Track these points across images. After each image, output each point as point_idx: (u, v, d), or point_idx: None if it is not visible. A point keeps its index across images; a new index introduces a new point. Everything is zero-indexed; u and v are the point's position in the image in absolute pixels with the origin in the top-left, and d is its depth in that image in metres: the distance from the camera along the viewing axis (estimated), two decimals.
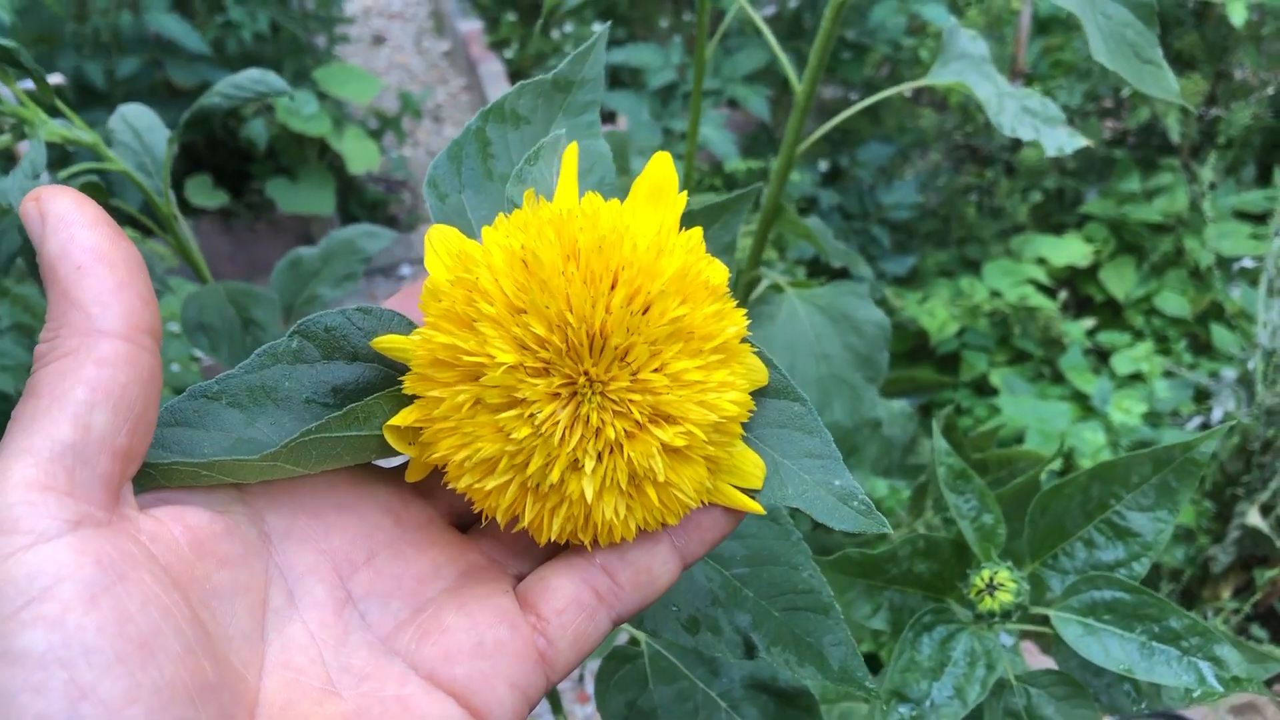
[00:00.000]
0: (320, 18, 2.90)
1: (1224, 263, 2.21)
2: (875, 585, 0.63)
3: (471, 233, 0.44)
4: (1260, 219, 2.29)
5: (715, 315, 0.36)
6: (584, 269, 0.34)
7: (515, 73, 3.31)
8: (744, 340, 0.38)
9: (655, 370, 0.34)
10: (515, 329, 0.33)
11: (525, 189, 0.40)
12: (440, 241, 0.39)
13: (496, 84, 3.26)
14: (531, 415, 0.34)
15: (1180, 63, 2.31)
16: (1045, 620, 0.59)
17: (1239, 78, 2.44)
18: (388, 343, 0.36)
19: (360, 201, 3.07)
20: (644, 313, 0.34)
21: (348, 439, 0.34)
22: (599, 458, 0.34)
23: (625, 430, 0.34)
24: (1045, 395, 2.11)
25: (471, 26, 3.49)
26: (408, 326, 0.37)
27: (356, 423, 0.34)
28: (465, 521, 0.40)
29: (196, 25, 2.60)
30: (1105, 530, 0.62)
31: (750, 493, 0.38)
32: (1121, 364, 2.08)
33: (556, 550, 0.38)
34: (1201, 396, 2.05)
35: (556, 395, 0.34)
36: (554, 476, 0.34)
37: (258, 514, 0.35)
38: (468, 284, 0.34)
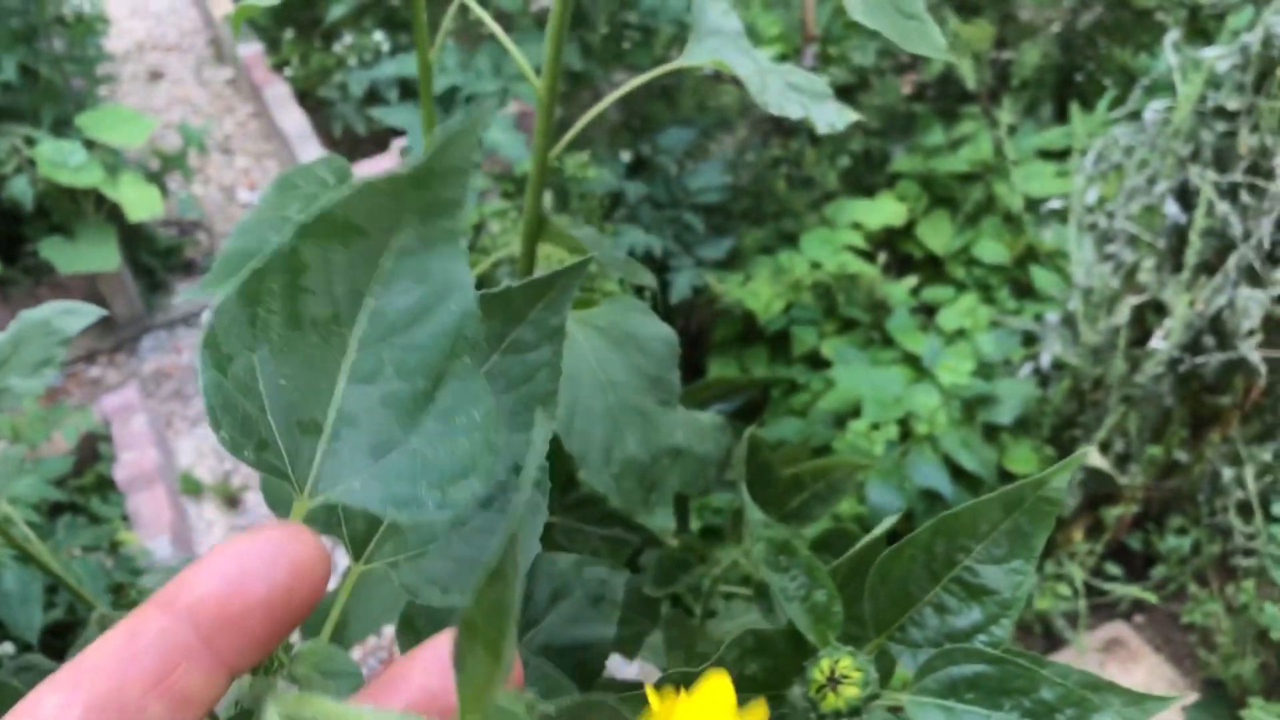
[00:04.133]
0: (77, 59, 2.68)
1: (1033, 205, 2.21)
2: None
3: (258, 414, 0.30)
4: (1062, 156, 2.30)
5: None
6: None
7: (301, 92, 3.13)
8: None
9: None
10: None
11: None
12: None
13: (283, 107, 3.08)
14: None
15: (966, 9, 2.30)
16: (901, 709, 0.50)
17: (1025, 19, 2.45)
18: None
19: (151, 250, 2.86)
20: None
21: None
22: None
23: None
24: (877, 361, 2.07)
25: (252, 50, 3.30)
26: None
27: None
28: None
29: None
30: (956, 591, 0.53)
31: None
32: (947, 320, 2.06)
33: None
34: (1030, 341, 2.05)
35: None
36: None
37: None
38: None
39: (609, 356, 0.84)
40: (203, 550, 2.15)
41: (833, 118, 0.85)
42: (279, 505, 0.45)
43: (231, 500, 2.28)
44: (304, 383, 0.31)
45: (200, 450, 2.35)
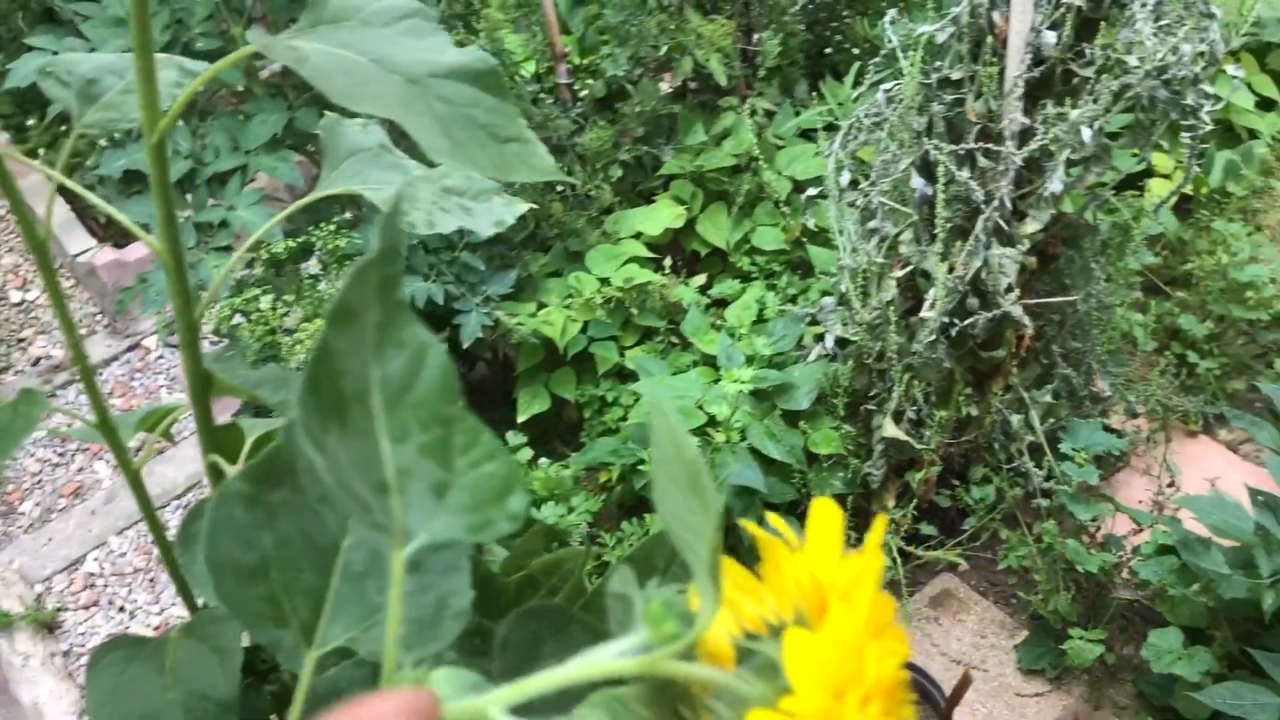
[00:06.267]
0: None
1: (802, 186, 2.26)
2: None
3: (354, 483, 0.35)
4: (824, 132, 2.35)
5: None
6: None
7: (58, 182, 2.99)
8: None
9: None
10: None
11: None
12: None
13: (39, 196, 2.92)
14: None
15: (706, 8, 2.33)
16: None
17: (770, 1, 2.48)
18: None
19: None
20: None
21: None
22: None
23: None
24: (677, 366, 2.09)
25: None
26: None
27: None
28: None
29: None
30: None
31: None
32: (735, 315, 2.09)
33: None
34: (817, 322, 2.09)
35: None
36: None
37: None
38: None
39: None
40: (21, 690, 2.05)
41: (499, 214, 0.83)
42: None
43: (48, 626, 2.17)
44: (366, 453, 0.35)
45: (4, 579, 2.24)
